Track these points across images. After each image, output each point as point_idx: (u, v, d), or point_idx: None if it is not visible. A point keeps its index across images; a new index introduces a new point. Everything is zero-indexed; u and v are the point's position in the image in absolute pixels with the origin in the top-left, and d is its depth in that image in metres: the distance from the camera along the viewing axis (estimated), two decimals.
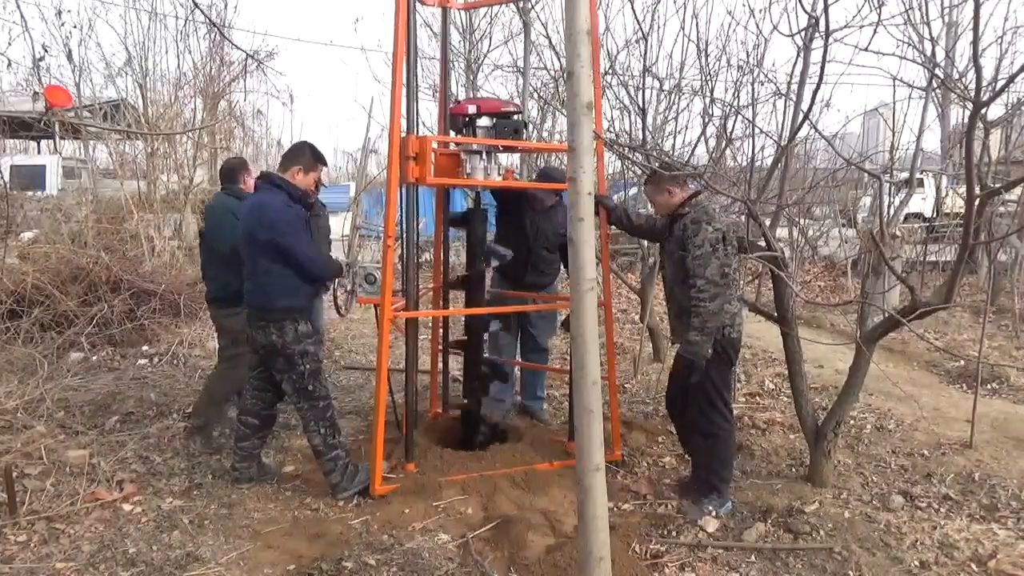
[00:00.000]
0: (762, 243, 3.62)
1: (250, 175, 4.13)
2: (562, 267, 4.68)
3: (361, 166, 9.36)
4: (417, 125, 3.54)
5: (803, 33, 3.47)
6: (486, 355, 4.11)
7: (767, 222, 3.72)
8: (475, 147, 3.55)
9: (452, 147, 3.70)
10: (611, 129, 5.49)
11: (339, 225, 8.28)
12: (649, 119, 4.68)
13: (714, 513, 3.34)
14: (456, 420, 4.25)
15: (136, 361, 5.82)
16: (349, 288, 3.82)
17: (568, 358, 6.02)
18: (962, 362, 5.97)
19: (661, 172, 3.37)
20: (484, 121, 3.57)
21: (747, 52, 4.44)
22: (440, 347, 4.42)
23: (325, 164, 3.54)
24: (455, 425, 4.19)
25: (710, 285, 3.12)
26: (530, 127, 7.85)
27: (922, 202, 12.96)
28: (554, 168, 4.86)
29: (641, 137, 4.51)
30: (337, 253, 5.02)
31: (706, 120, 4.51)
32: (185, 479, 3.69)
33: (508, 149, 3.71)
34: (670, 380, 3.61)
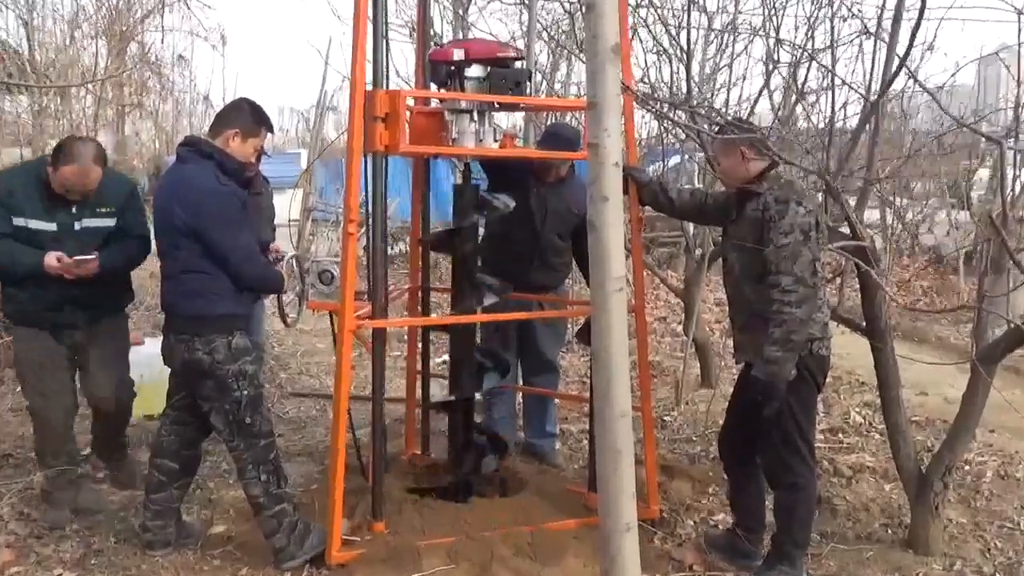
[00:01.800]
0: (845, 230, 3.61)
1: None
2: (575, 261, 4.69)
3: (315, 129, 9.37)
4: (388, 75, 3.54)
5: None
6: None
7: (851, 202, 3.71)
8: (463, 105, 3.55)
9: (434, 104, 3.69)
10: (645, 80, 5.48)
11: (286, 206, 8.28)
12: (695, 67, 4.67)
13: None
14: (438, 467, 4.25)
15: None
16: (299, 289, 3.81)
17: (587, 381, 5.99)
18: None
19: (737, 128, 3.36)
20: (475, 70, 3.58)
21: None
22: (419, 367, 4.42)
23: (270, 129, 3.55)
24: (438, 472, 4.19)
25: (799, 285, 3.12)
26: (537, 78, 7.85)
27: None
28: (565, 127, 4.84)
29: (684, 90, 4.51)
30: (284, 243, 5.01)
31: (770, 68, 4.49)
32: (79, 543, 3.68)
33: (507, 107, 3.70)
34: (729, 411, 3.60)
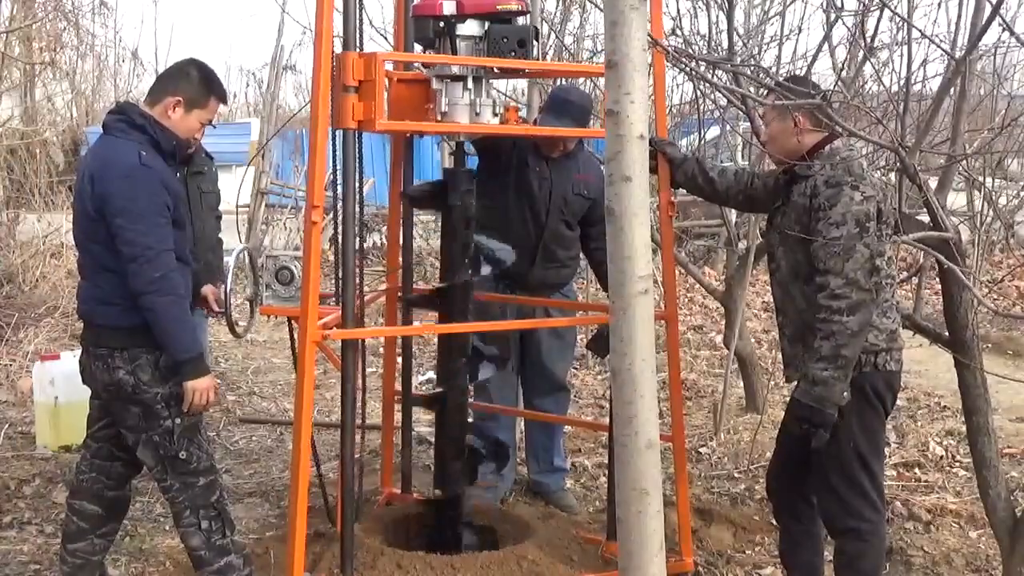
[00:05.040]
0: (924, 218, 3.61)
1: None
2: (586, 256, 4.70)
3: (270, 93, 9.37)
4: (362, 34, 3.52)
5: None
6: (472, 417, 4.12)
7: (932, 184, 3.71)
8: (455, 70, 3.56)
9: (418, 70, 3.69)
10: (677, 32, 5.49)
11: (234, 188, 8.28)
12: (739, 16, 4.68)
13: None
14: (420, 506, 4.28)
15: None
16: (250, 291, 3.81)
17: (605, 405, 5.98)
18: None
19: (790, 89, 3.35)
20: (470, 27, 3.57)
21: None
22: (398, 389, 4.44)
23: (223, 99, 3.56)
24: (420, 515, 4.21)
25: (851, 288, 3.13)
26: (544, 29, 7.84)
27: None
28: (574, 91, 4.83)
29: (726, 45, 4.51)
30: (230, 236, 5.00)
31: (831, 17, 4.48)
32: None
33: (508, 72, 3.68)
34: (779, 442, 3.62)
